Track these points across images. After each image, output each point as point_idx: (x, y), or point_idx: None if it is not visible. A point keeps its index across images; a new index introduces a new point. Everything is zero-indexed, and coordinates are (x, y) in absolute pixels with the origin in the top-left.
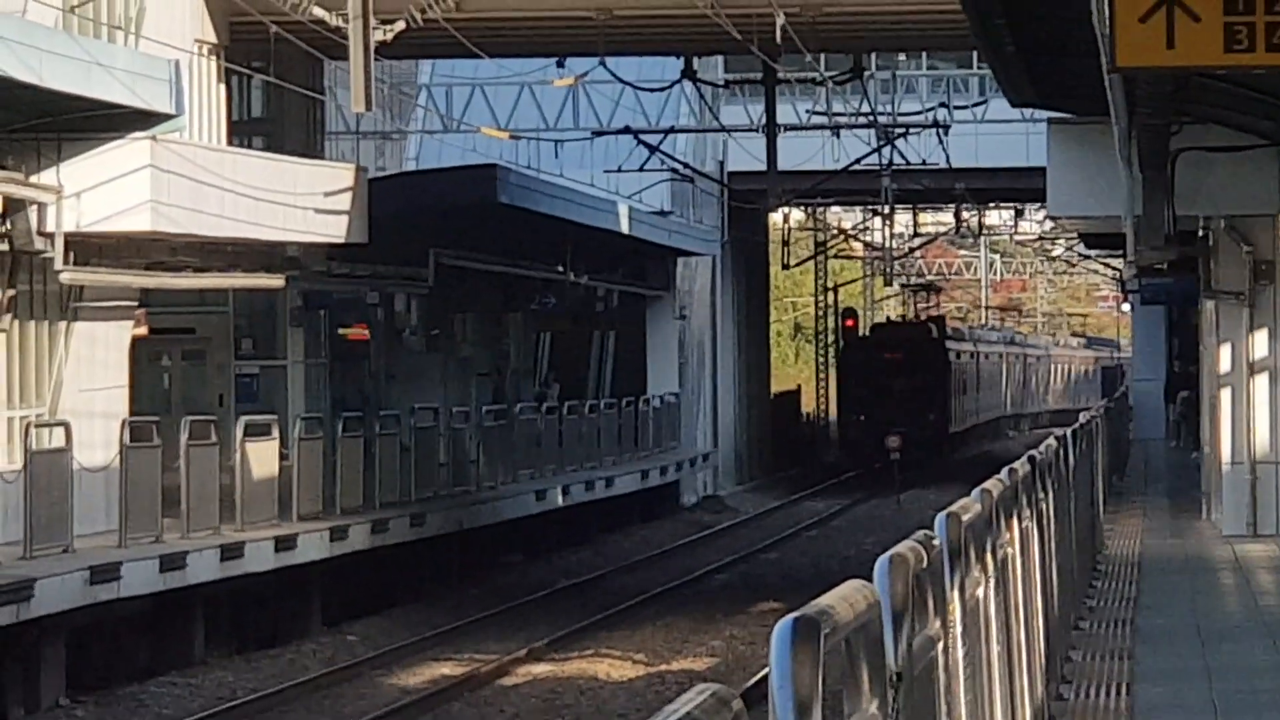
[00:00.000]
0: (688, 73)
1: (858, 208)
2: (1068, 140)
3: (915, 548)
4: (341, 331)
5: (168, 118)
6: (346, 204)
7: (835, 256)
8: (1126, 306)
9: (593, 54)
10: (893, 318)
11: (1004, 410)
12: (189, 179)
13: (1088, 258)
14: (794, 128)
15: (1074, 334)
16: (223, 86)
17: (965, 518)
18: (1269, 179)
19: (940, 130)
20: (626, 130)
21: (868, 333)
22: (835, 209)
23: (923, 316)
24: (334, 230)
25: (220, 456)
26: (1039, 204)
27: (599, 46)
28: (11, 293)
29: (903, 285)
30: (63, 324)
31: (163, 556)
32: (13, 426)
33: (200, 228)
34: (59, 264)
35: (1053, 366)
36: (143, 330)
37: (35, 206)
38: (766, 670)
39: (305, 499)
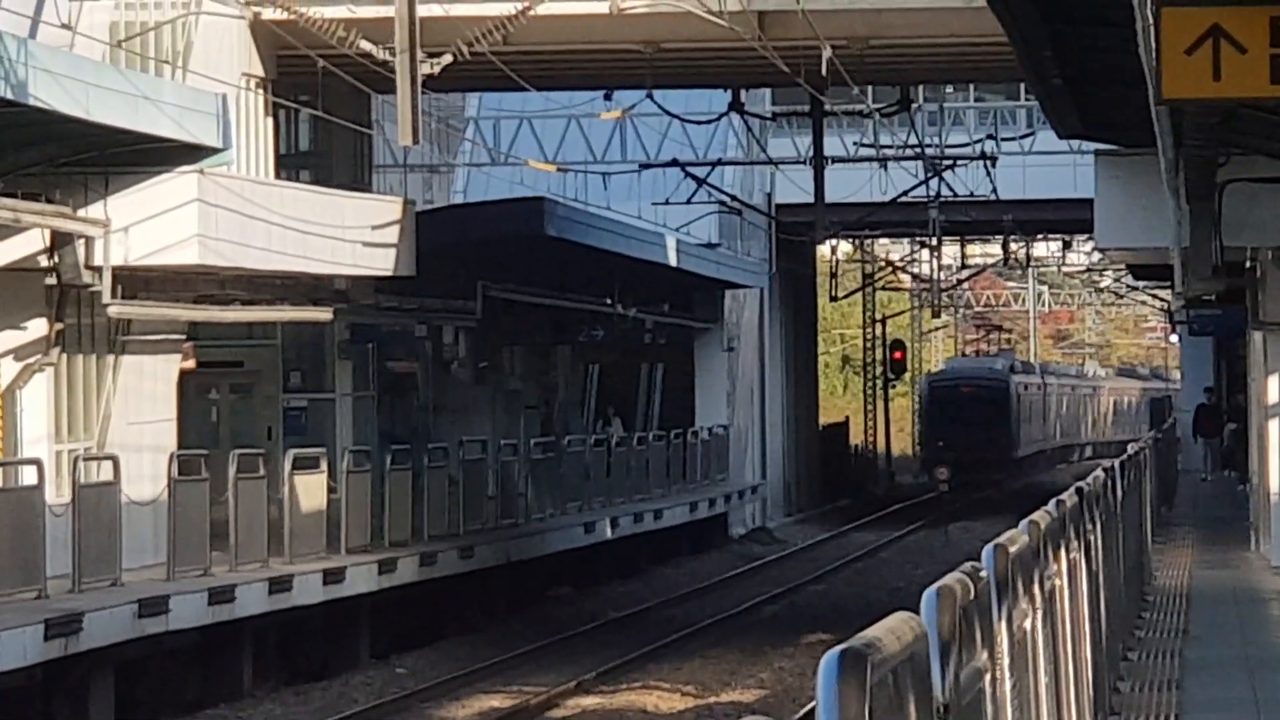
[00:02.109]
0: (735, 105)
1: (905, 239)
2: (1115, 172)
3: (963, 580)
4: (395, 364)
5: (215, 151)
6: (394, 237)
7: (883, 288)
8: (1175, 338)
9: (640, 87)
10: (967, 352)
11: (1065, 438)
12: (236, 213)
13: (1136, 289)
14: (841, 160)
15: (1115, 365)
16: (270, 120)
17: (1013, 549)
18: None
19: (988, 162)
20: (674, 163)
21: (945, 367)
22: (883, 241)
23: (993, 351)
24: (382, 263)
25: (268, 489)
26: (1087, 235)
27: (646, 79)
28: (59, 326)
29: (977, 325)
30: (110, 357)
31: (211, 589)
32: (61, 460)
33: (248, 261)
34: (107, 297)
35: (1108, 398)
36: (190, 363)
37: (83, 240)
38: (814, 702)
39: (354, 532)
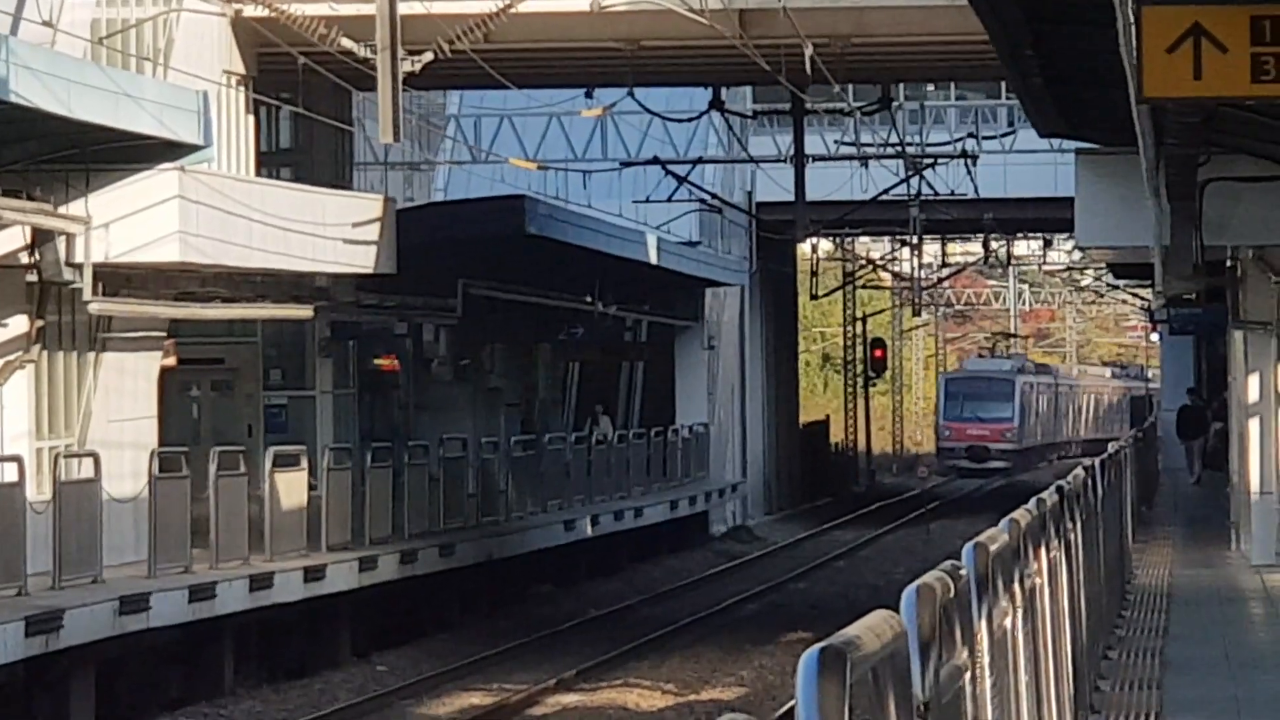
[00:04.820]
0: (716, 103)
1: (886, 238)
2: (1096, 170)
3: (943, 578)
4: (377, 362)
5: (196, 149)
6: (375, 235)
7: (864, 287)
8: (1155, 336)
9: (621, 85)
10: (947, 350)
11: (1066, 432)
12: (217, 210)
13: (1116, 288)
14: (822, 158)
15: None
16: (251, 117)
17: (993, 548)
18: None
19: (968, 160)
20: (655, 161)
21: (960, 366)
22: (863, 239)
23: (1007, 353)
24: (362, 261)
25: (249, 487)
26: (1067, 234)
27: (627, 77)
28: (40, 323)
29: (992, 333)
30: (91, 355)
31: (192, 587)
32: (42, 457)
33: (229, 258)
34: (87, 295)
35: (1099, 396)
36: (171, 361)
37: (64, 237)
38: (794, 700)
39: (334, 529)
